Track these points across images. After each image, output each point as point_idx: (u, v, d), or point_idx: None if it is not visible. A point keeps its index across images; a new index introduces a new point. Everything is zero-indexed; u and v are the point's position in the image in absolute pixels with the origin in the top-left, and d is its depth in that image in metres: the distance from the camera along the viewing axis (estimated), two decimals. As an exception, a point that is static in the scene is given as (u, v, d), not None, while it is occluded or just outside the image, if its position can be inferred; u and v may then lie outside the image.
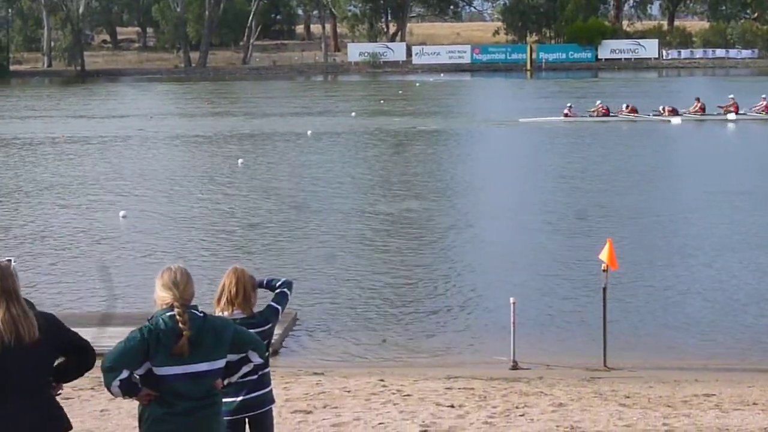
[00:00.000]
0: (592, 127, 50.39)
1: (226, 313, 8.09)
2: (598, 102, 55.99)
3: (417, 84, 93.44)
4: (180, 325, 6.79)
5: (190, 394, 6.88)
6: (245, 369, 7.31)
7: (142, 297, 18.88)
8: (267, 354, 7.86)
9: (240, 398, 8.05)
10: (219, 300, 8.30)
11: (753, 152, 40.47)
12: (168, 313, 6.85)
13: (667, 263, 21.22)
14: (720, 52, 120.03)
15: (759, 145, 43.82)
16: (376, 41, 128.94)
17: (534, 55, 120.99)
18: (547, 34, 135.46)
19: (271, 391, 8.32)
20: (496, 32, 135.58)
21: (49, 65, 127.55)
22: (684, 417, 11.70)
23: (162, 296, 6.94)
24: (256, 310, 8.36)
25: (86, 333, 15.44)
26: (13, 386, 6.57)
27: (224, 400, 7.49)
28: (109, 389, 6.86)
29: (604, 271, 14.84)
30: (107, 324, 16.11)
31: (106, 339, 14.74)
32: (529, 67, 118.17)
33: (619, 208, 27.67)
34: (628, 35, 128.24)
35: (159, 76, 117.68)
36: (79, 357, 6.96)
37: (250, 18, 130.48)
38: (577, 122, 52.77)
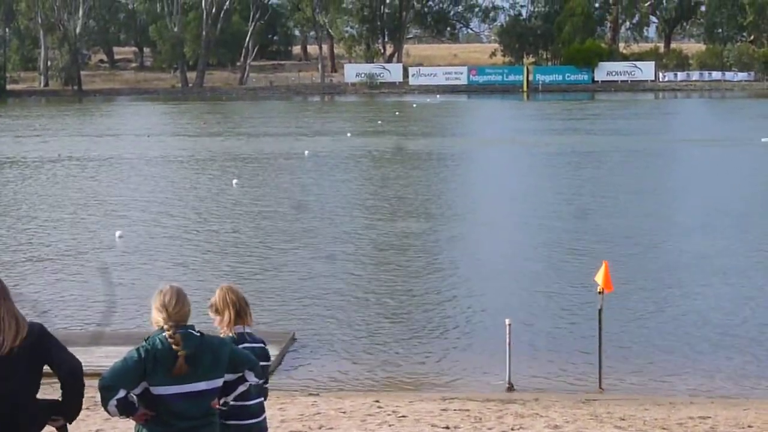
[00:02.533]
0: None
1: (234, 330, 7.86)
2: None
3: (414, 105, 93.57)
4: (173, 346, 6.81)
5: (187, 414, 6.89)
6: (242, 388, 7.31)
7: (137, 316, 18.90)
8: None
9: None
10: (223, 317, 8.00)
11: None
12: (164, 333, 6.88)
13: (662, 285, 21.23)
14: (716, 75, 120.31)
15: None
16: (372, 62, 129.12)
17: (530, 77, 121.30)
18: (544, 56, 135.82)
19: (264, 420, 8.05)
20: (493, 54, 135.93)
21: (46, 84, 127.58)
22: (679, 439, 11.71)
23: (156, 318, 6.98)
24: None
25: (81, 352, 15.47)
26: None
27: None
28: (105, 408, 6.87)
29: (599, 293, 14.84)
30: (103, 343, 16.10)
31: (103, 359, 14.77)
32: (525, 88, 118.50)
33: (617, 230, 27.69)
34: (624, 57, 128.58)
35: (156, 95, 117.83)
36: (61, 376, 6.97)
37: (247, 38, 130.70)
38: None
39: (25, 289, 21.24)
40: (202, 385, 6.92)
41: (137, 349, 6.87)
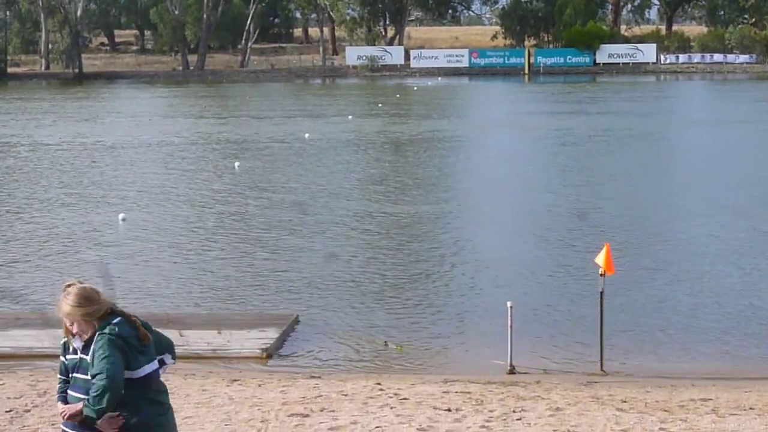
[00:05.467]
0: None
1: None
2: None
3: (415, 88, 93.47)
4: (133, 318, 7.05)
5: (162, 387, 7.17)
6: (161, 370, 7.36)
7: (141, 299, 18.93)
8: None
9: None
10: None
11: None
12: (114, 320, 6.99)
13: (664, 268, 21.24)
14: (718, 57, 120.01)
15: None
16: (374, 45, 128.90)
17: (532, 60, 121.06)
18: (546, 39, 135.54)
19: None
20: (495, 36, 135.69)
21: (47, 67, 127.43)
22: (680, 422, 11.72)
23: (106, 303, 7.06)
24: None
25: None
26: None
27: None
28: (106, 409, 6.83)
29: (601, 275, 14.84)
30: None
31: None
32: (527, 71, 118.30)
33: (618, 213, 27.70)
34: (626, 40, 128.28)
35: (157, 78, 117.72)
36: None
37: (248, 21, 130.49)
38: None
39: (28, 271, 21.26)
40: (156, 362, 7.17)
41: (111, 343, 6.85)
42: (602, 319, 14.95)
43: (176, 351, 7.39)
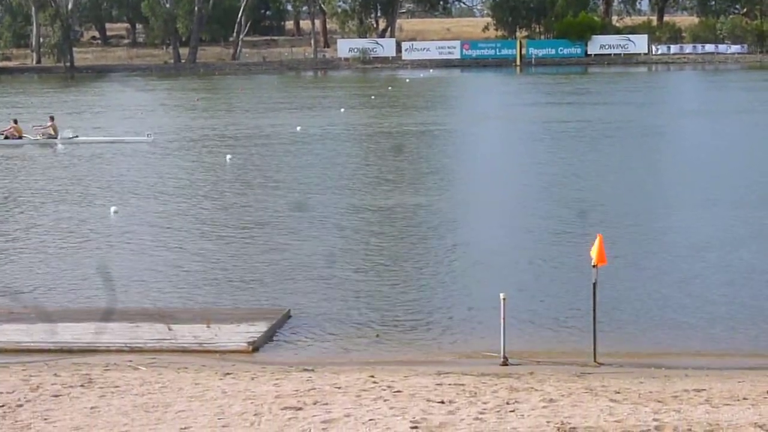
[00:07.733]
0: None
1: None
2: None
3: (407, 80, 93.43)
4: None
5: None
6: None
7: (133, 292, 18.90)
8: None
9: None
10: None
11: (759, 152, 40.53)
12: None
13: (657, 259, 21.25)
14: (709, 48, 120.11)
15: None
16: (365, 37, 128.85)
17: (523, 51, 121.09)
18: (537, 30, 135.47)
19: None
20: (486, 28, 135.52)
21: (38, 61, 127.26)
22: (674, 412, 11.71)
23: None
24: None
25: (79, 328, 15.46)
26: None
27: None
28: None
29: (593, 266, 14.84)
30: (101, 319, 16.06)
31: (107, 335, 14.79)
32: (518, 62, 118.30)
33: (611, 204, 27.69)
34: (617, 31, 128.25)
35: (148, 72, 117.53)
36: None
37: (240, 14, 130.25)
38: None
39: (20, 265, 21.21)
40: None
41: None
42: (595, 311, 14.95)
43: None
